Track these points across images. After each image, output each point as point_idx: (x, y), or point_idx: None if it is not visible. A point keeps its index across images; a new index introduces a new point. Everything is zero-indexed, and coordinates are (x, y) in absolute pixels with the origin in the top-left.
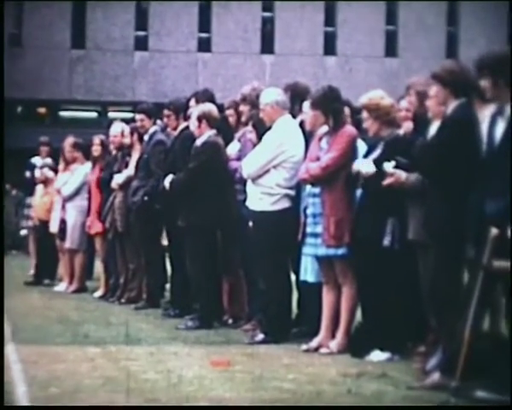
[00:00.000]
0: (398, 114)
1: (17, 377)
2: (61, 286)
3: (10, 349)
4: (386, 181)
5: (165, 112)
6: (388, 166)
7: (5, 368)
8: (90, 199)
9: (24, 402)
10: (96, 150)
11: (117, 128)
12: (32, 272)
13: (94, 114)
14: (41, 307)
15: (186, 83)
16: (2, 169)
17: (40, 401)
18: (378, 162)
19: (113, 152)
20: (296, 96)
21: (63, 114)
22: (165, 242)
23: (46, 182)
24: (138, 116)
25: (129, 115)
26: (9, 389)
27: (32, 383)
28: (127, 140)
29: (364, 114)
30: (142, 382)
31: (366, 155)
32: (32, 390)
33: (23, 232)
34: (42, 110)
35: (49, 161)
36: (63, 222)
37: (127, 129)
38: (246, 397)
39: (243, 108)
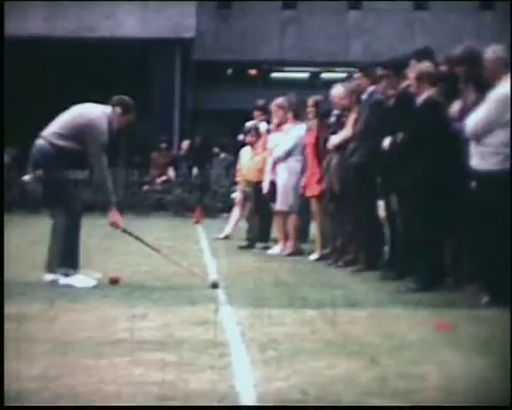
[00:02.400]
0: None
1: (235, 339)
2: (276, 249)
3: (227, 312)
4: None
5: (383, 72)
6: None
7: (222, 331)
8: (304, 161)
9: (243, 363)
10: (311, 112)
11: (340, 89)
12: (221, 235)
13: (306, 75)
14: (256, 270)
15: (401, 43)
16: (2, 159)
17: (258, 364)
18: None
19: (333, 113)
20: None
21: (275, 75)
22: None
23: (254, 144)
24: (356, 75)
25: (342, 76)
26: (227, 351)
27: (250, 345)
28: (346, 101)
29: None
30: (363, 345)
31: None
32: (250, 353)
33: (234, 195)
34: (253, 72)
35: (263, 124)
36: (273, 184)
37: (345, 90)
38: (472, 362)
39: (458, 69)
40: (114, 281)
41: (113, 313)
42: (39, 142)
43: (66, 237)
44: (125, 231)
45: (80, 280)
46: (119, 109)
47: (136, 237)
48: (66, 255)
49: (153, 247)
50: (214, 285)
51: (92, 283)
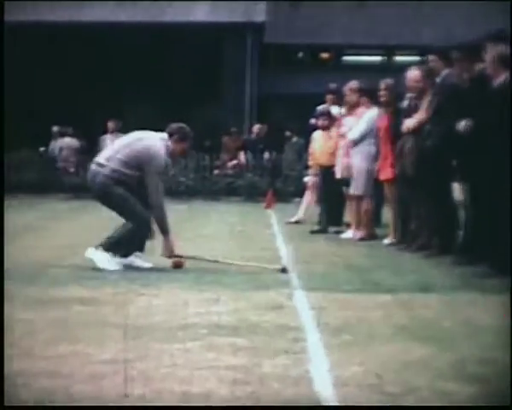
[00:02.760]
0: None
1: (308, 324)
2: (349, 233)
3: (300, 296)
4: None
5: (457, 55)
6: None
7: (295, 316)
8: (378, 144)
9: (318, 348)
10: (383, 96)
11: (415, 73)
12: (293, 219)
13: (378, 59)
14: (328, 254)
15: (476, 25)
16: (2, 154)
17: (332, 348)
18: None
19: (407, 97)
20: None
21: (346, 59)
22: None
23: (327, 128)
24: (431, 58)
25: (414, 59)
26: (301, 336)
27: (324, 330)
28: (420, 84)
29: None
30: (437, 330)
31: None
32: (324, 337)
33: (306, 179)
34: (324, 56)
35: (335, 108)
36: (347, 168)
37: (420, 73)
38: None
39: None
40: (177, 266)
41: (184, 298)
42: (94, 168)
43: (125, 239)
44: (177, 256)
45: (104, 260)
46: (176, 137)
47: (192, 257)
48: (115, 246)
49: (210, 260)
50: (283, 270)
51: (114, 267)
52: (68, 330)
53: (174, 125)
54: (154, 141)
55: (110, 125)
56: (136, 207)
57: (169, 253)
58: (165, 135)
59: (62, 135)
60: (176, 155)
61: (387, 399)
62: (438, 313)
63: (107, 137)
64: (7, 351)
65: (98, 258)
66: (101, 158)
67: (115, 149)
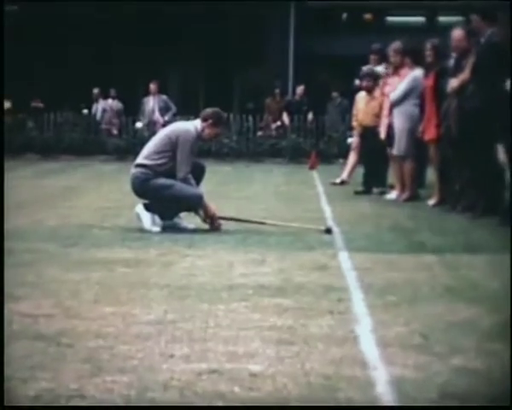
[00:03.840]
0: None
1: (353, 284)
2: (393, 194)
3: (344, 257)
4: None
5: (500, 14)
6: None
7: (340, 276)
8: (422, 105)
9: (362, 308)
10: (429, 56)
11: (459, 32)
12: (337, 180)
13: (421, 19)
14: (372, 215)
15: None
16: (2, 143)
17: (377, 309)
18: None
19: (452, 57)
20: None
21: (390, 19)
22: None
23: (370, 89)
24: (474, 17)
25: (458, 19)
26: (345, 296)
27: (369, 290)
28: (463, 44)
29: None
30: (483, 291)
31: None
32: (368, 298)
33: (350, 140)
34: (368, 16)
35: (379, 68)
36: (390, 128)
37: (464, 32)
38: None
39: None
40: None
41: (229, 259)
42: (134, 171)
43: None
44: (219, 218)
45: (149, 221)
46: (210, 121)
47: (231, 218)
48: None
49: (255, 221)
50: (328, 231)
51: (158, 228)
52: (113, 292)
53: (209, 110)
54: (183, 124)
55: (152, 86)
56: (184, 190)
57: (210, 217)
58: (198, 121)
59: (105, 97)
60: (209, 138)
61: (432, 359)
62: (483, 273)
63: (150, 99)
64: (50, 311)
65: (144, 217)
66: (139, 158)
67: (150, 145)
